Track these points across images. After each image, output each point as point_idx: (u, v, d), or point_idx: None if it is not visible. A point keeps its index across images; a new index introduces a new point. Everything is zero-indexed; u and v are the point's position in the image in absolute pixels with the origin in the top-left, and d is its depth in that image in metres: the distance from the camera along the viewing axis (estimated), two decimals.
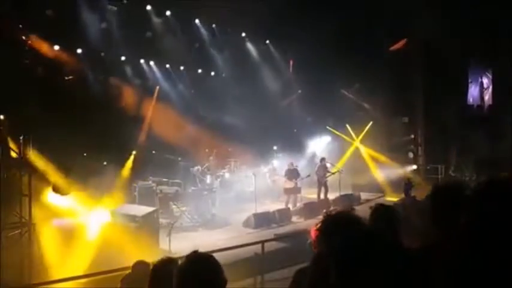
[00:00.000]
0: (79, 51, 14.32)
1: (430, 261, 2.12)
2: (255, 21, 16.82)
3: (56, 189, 8.15)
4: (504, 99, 18.84)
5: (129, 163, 14.74)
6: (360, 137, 20.29)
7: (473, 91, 20.66)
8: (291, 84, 20.52)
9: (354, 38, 17.19)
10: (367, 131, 20.21)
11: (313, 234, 3.38)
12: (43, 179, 8.81)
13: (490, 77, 20.23)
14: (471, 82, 20.58)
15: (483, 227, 1.78)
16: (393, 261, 2.00)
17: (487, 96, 20.51)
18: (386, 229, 2.98)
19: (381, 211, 3.16)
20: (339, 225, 1.94)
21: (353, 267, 1.82)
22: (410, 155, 20.32)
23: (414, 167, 20.19)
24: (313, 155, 15.70)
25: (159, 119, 15.96)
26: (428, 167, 19.92)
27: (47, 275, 7.51)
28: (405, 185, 15.05)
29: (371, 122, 20.24)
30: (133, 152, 15.21)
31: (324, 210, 12.75)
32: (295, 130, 19.91)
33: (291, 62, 20.83)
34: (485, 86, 20.51)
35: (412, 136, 20.58)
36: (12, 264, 7.69)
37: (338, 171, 15.64)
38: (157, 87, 17.49)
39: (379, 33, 18.50)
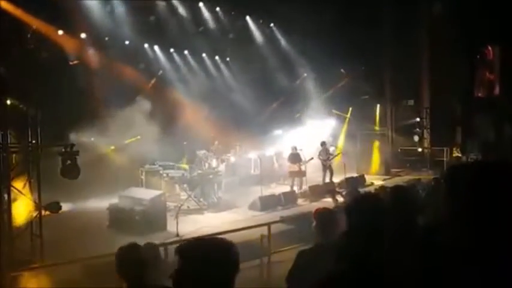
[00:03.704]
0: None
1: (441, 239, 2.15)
2: (260, 5, 16.64)
3: (64, 174, 8.21)
4: (510, 82, 18.65)
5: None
6: (377, 123, 20.16)
7: (479, 74, 20.46)
8: (296, 68, 20.34)
9: (359, 21, 16.98)
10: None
11: (315, 215, 3.47)
12: (50, 162, 8.88)
13: (498, 59, 19.99)
14: (478, 64, 20.37)
15: (485, 208, 1.81)
16: (413, 238, 2.04)
17: (493, 78, 20.31)
18: (404, 209, 3.04)
19: (398, 192, 3.21)
20: (364, 205, 1.99)
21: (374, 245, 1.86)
22: (416, 137, 20.24)
23: (419, 149, 20.17)
24: (323, 143, 15.74)
25: (165, 103, 15.96)
26: (433, 150, 19.87)
27: (56, 256, 7.64)
28: None
29: (378, 105, 20.15)
30: (138, 137, 15.28)
31: (329, 192, 12.85)
32: (297, 115, 19.79)
33: (296, 46, 20.60)
34: (492, 68, 20.29)
35: (418, 119, 20.49)
36: (23, 246, 7.84)
37: (340, 153, 15.64)
38: (160, 71, 17.46)
39: (384, 16, 18.31)
